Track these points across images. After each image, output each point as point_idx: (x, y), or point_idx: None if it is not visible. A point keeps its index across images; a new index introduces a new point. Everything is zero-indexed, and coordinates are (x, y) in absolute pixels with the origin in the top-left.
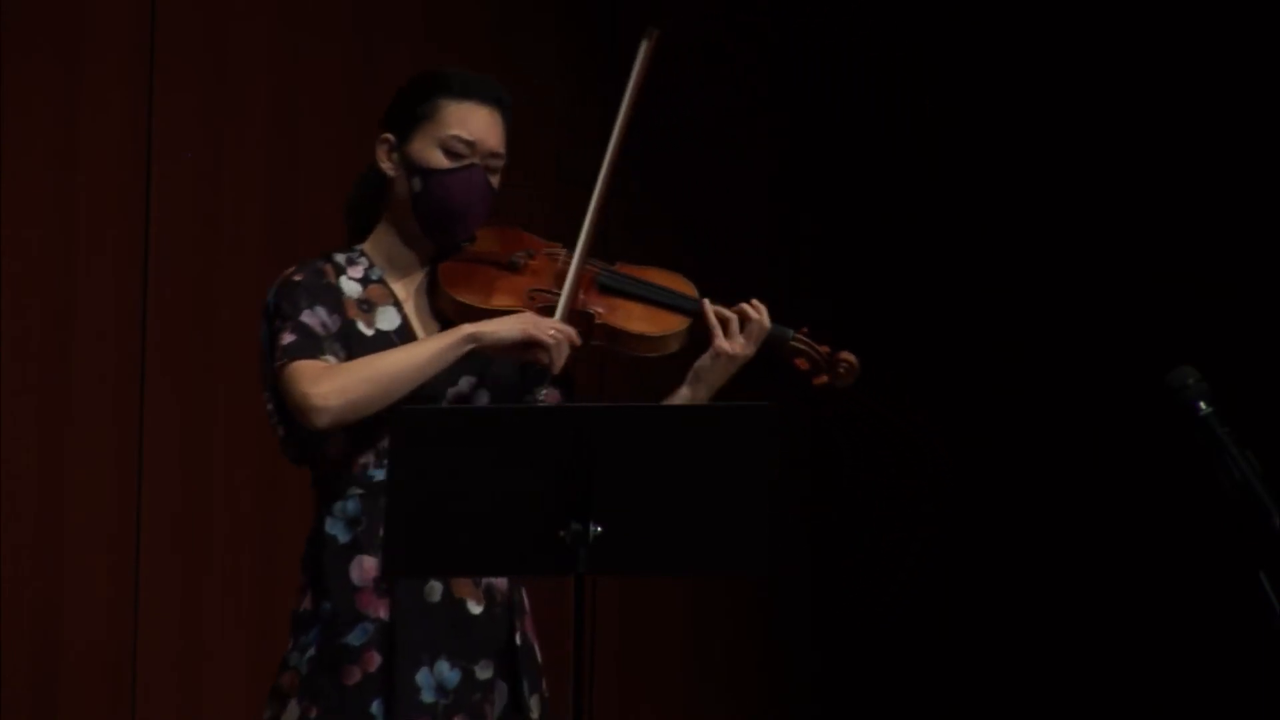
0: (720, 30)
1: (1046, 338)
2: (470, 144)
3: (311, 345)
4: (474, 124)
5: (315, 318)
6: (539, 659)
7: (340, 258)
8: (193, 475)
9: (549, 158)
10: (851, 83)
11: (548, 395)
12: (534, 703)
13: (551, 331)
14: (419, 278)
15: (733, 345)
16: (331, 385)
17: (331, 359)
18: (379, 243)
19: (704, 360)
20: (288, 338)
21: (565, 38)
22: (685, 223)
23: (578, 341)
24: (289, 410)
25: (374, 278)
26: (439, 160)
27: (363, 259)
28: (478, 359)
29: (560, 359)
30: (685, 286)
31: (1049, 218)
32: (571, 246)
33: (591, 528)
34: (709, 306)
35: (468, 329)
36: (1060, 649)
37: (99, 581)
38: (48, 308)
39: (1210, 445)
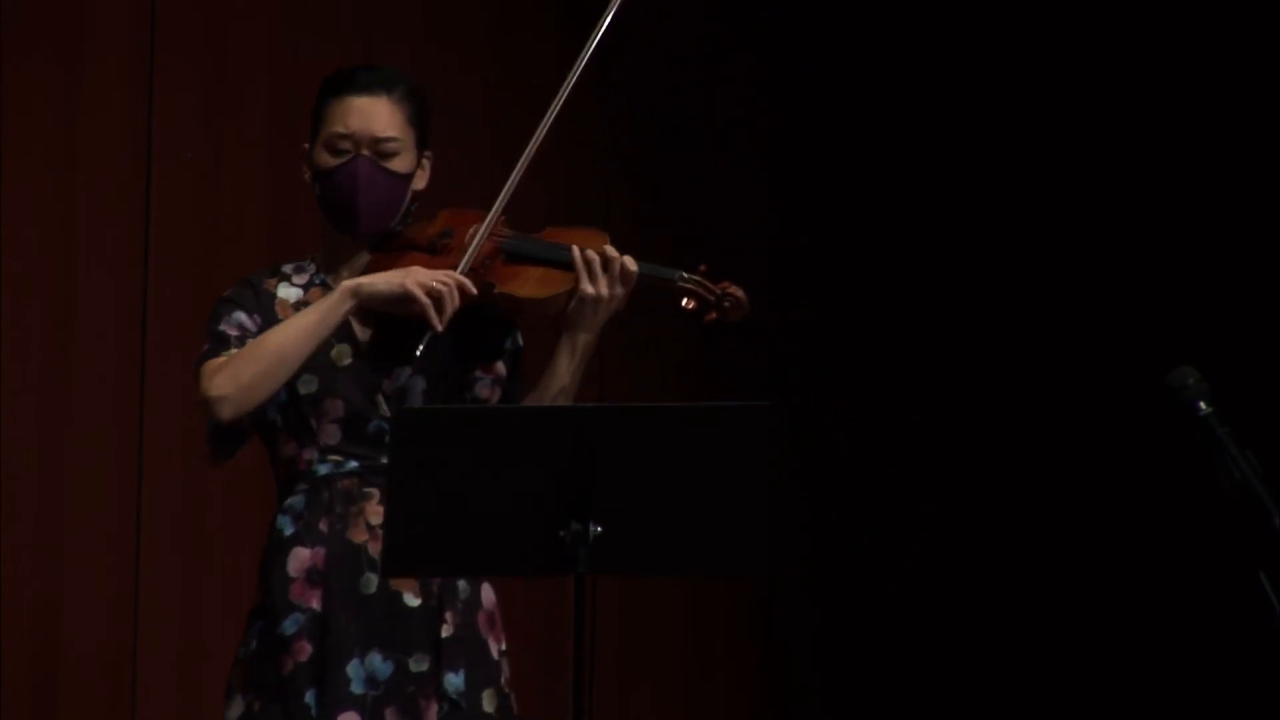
0: (720, 30)
1: (1046, 337)
2: (348, 137)
3: (221, 346)
4: (350, 117)
5: (230, 323)
6: (493, 653)
7: (288, 267)
8: (193, 475)
9: (548, 158)
10: (851, 83)
11: (490, 368)
12: (486, 698)
13: (434, 284)
14: (356, 272)
15: (595, 287)
16: (224, 375)
17: (236, 350)
18: (323, 247)
19: (571, 305)
20: (203, 348)
21: (565, 38)
22: (685, 223)
23: (471, 291)
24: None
25: (316, 281)
26: (325, 160)
27: (310, 265)
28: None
29: (441, 312)
30: (594, 242)
31: (1049, 218)
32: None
33: (591, 528)
34: (577, 252)
35: (348, 284)
36: (1060, 649)
37: (99, 581)
38: (48, 308)
39: (1210, 445)
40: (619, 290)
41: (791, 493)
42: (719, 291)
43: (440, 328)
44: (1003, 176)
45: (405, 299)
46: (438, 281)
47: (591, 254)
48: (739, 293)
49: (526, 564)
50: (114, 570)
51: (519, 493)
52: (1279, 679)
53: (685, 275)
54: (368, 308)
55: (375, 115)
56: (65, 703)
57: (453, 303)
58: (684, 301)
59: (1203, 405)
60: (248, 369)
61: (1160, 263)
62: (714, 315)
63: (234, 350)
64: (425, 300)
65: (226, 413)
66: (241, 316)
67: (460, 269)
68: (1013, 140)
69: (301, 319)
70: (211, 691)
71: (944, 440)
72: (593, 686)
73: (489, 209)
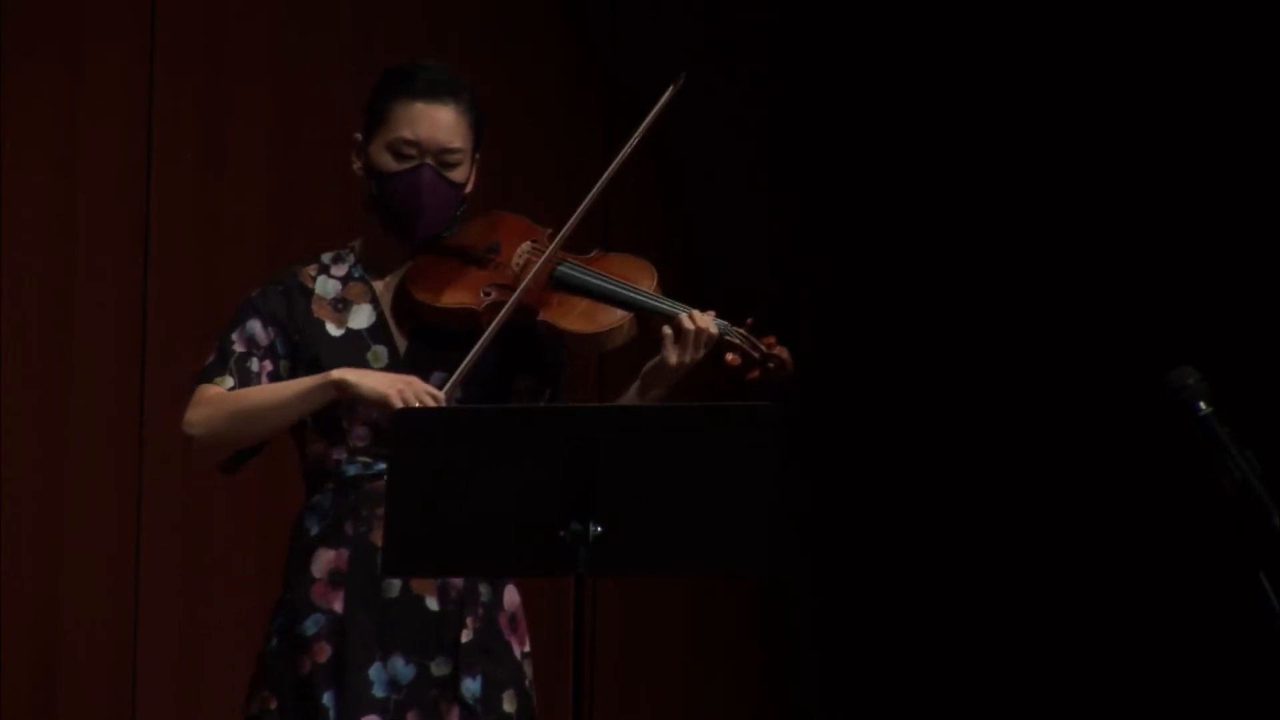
0: (720, 30)
1: (1046, 337)
2: (415, 144)
3: (218, 366)
4: (419, 124)
5: (242, 334)
6: (516, 655)
7: (327, 257)
8: (193, 475)
9: (548, 158)
10: (852, 83)
11: (529, 384)
12: (506, 699)
13: (417, 403)
14: (400, 273)
15: (681, 357)
16: (202, 414)
17: (230, 380)
18: (364, 239)
19: (651, 364)
20: (207, 359)
21: (565, 38)
22: (686, 223)
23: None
24: None
25: (356, 275)
26: (388, 163)
27: (350, 256)
28: (451, 357)
29: None
30: (642, 278)
31: (1049, 217)
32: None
33: (592, 528)
34: (668, 329)
35: (337, 374)
36: (1060, 649)
37: (99, 581)
38: (48, 308)
39: (1210, 445)
40: (700, 355)
41: (792, 493)
42: (764, 349)
43: None
44: (1003, 176)
45: (386, 407)
46: (421, 401)
47: (686, 325)
48: (784, 354)
49: (526, 564)
50: (114, 570)
51: (520, 493)
52: (1279, 679)
53: (730, 329)
54: (347, 400)
55: (443, 125)
56: (65, 702)
57: None
58: (728, 357)
59: (1203, 405)
60: (223, 422)
61: (1160, 263)
62: (757, 374)
63: (228, 378)
64: None
65: (194, 450)
66: (255, 328)
67: (515, 294)
68: (1013, 140)
69: (284, 390)
70: (211, 691)
71: (945, 440)
72: (593, 687)
73: (533, 217)
